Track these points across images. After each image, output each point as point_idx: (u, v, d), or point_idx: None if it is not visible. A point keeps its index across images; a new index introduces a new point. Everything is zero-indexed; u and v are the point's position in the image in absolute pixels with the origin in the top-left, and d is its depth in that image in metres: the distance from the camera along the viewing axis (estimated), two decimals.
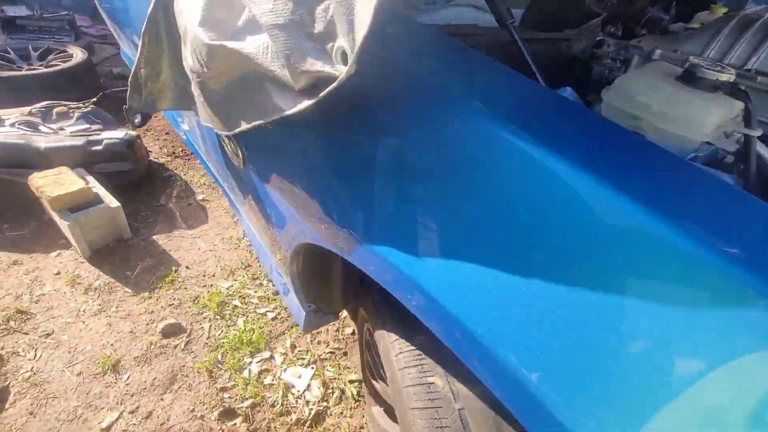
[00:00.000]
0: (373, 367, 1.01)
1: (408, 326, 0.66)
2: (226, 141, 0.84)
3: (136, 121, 0.85)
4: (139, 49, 0.74)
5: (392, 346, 0.65)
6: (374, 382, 1.06)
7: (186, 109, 0.84)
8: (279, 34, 0.46)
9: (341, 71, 0.42)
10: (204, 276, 1.76)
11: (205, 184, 2.29)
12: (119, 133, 2.04)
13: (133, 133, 2.13)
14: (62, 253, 1.79)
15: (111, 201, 1.79)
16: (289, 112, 0.50)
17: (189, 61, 0.60)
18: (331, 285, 1.07)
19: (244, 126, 0.60)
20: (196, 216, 2.08)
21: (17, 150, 1.86)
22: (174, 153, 2.51)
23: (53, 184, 1.70)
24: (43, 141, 1.90)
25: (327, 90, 0.44)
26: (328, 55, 0.44)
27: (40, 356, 1.41)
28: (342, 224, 0.61)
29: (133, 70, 0.77)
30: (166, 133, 2.71)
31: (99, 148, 1.97)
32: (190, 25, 0.57)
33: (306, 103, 0.48)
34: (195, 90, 0.67)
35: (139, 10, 1.65)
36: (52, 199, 1.64)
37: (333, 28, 0.43)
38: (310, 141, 0.65)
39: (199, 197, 2.20)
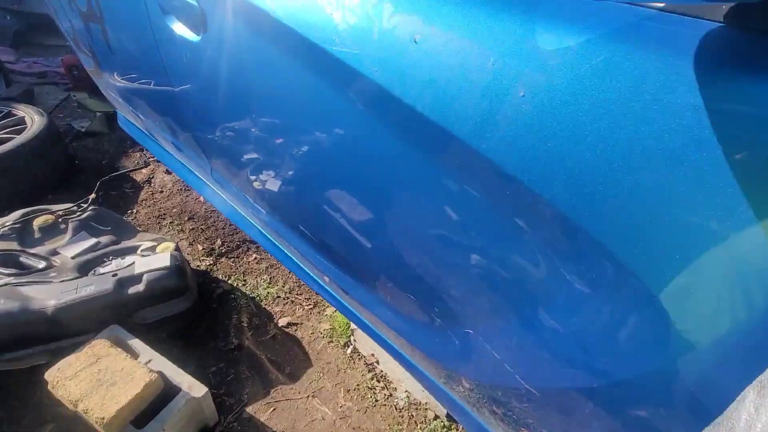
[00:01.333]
0: None
1: None
2: None
3: None
4: None
5: None
6: None
7: None
8: None
9: None
10: None
11: (279, 296, 1.66)
12: (162, 259, 1.36)
13: (171, 244, 1.46)
14: None
15: (191, 386, 1.14)
16: None
17: None
18: None
19: None
20: (291, 356, 1.47)
21: (8, 323, 1.14)
22: (213, 250, 1.83)
23: (96, 386, 1.03)
24: (49, 297, 1.20)
25: None
26: None
27: None
28: None
29: None
30: (189, 219, 2.00)
31: (139, 289, 1.28)
32: None
33: None
34: None
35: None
36: (109, 422, 0.98)
37: None
38: None
39: (281, 322, 1.57)
